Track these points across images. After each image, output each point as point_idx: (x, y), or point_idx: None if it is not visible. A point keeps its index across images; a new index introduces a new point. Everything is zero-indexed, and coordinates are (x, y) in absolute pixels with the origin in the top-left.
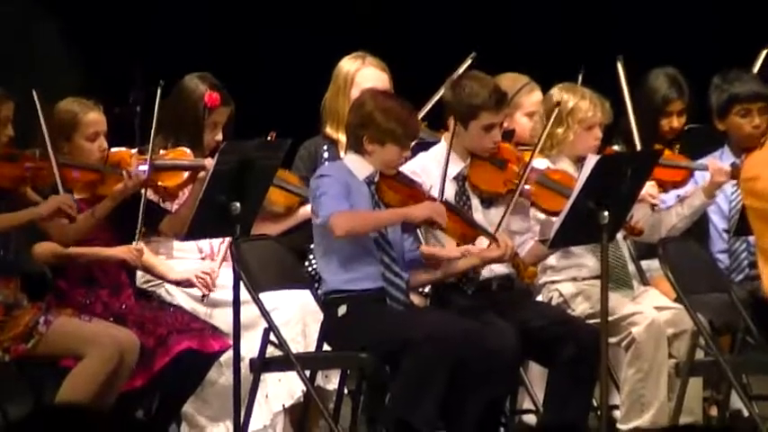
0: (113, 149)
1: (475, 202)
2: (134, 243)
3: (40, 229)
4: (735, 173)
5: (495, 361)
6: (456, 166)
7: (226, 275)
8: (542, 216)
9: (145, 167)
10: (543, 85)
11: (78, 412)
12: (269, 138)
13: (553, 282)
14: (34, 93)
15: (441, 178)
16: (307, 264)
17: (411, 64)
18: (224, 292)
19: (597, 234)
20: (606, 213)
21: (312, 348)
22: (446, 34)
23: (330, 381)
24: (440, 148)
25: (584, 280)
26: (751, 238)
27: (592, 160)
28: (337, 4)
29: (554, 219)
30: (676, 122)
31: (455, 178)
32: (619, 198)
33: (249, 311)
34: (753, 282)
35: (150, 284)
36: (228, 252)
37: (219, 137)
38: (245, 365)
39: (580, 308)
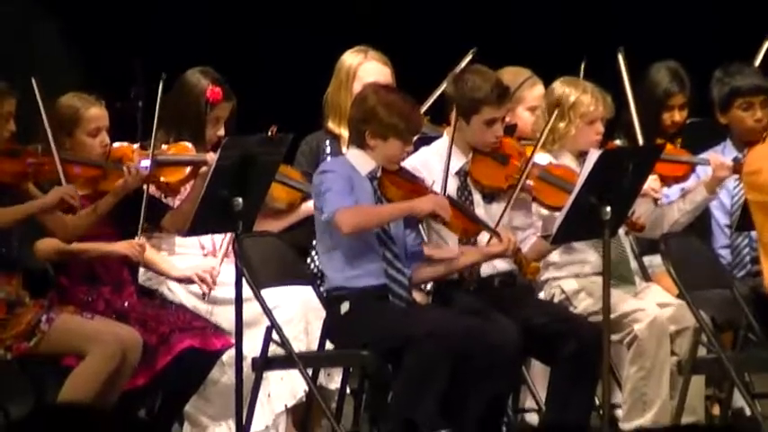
0: (115, 145)
1: (476, 197)
2: (136, 239)
3: (42, 225)
4: (737, 167)
5: (497, 356)
6: (458, 161)
7: (226, 272)
8: (544, 211)
9: (147, 163)
10: (545, 78)
11: (80, 411)
12: (270, 133)
13: (555, 278)
14: (33, 81)
15: (443, 173)
16: (309, 261)
17: (411, 59)
18: (225, 289)
19: (599, 229)
20: (608, 209)
21: (314, 346)
22: (447, 28)
23: (332, 379)
24: (442, 143)
25: (587, 276)
26: (753, 234)
27: (594, 155)
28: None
29: (556, 214)
30: (678, 116)
31: (457, 173)
32: (621, 193)
33: (251, 309)
34: (755, 278)
35: (152, 282)
36: (229, 248)
37: (221, 132)
38: (247, 364)
39: (582, 304)
